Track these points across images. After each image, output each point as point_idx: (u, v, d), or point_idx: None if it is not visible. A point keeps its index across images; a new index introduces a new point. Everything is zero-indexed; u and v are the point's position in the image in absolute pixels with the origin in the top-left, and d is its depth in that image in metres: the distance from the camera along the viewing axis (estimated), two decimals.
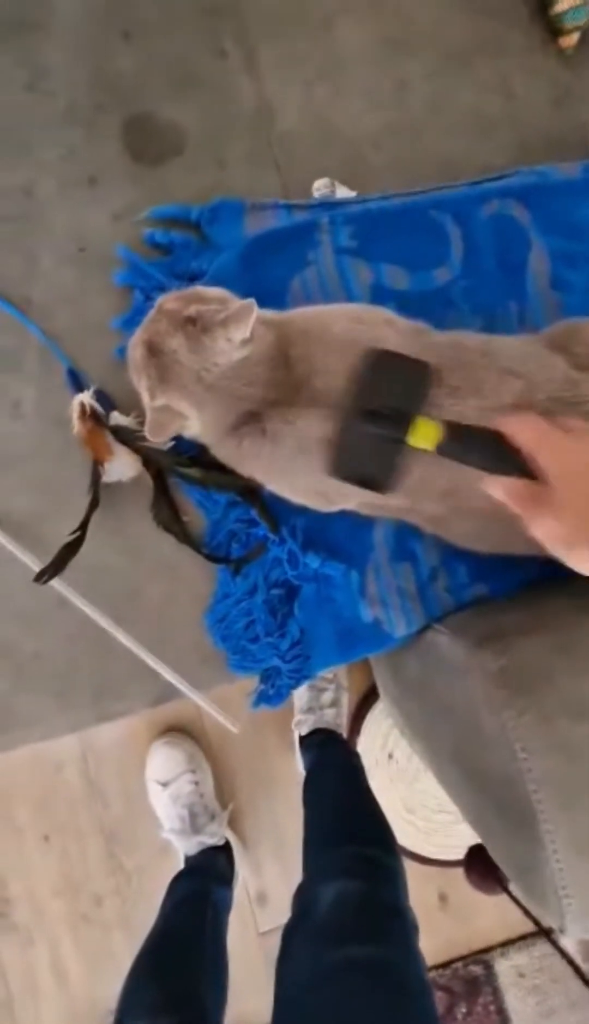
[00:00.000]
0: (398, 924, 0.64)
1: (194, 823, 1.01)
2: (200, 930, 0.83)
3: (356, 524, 0.66)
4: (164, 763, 1.05)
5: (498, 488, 0.43)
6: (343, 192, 0.70)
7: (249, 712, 0.66)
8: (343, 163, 0.71)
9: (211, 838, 1.00)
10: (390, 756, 1.15)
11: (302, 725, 1.06)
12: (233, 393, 0.52)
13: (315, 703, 1.07)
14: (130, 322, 0.64)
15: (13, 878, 1.12)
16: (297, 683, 0.66)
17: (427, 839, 1.14)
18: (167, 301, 0.54)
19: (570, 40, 0.76)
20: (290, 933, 0.66)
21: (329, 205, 0.69)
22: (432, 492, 0.55)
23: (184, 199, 0.67)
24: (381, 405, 0.47)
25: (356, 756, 1.00)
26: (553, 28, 0.77)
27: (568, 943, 1.09)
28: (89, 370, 0.65)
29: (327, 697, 1.07)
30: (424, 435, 0.46)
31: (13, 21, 0.68)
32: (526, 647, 0.51)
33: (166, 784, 1.04)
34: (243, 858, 1.08)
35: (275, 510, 0.64)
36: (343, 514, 0.66)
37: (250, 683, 0.68)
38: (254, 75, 0.71)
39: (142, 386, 0.54)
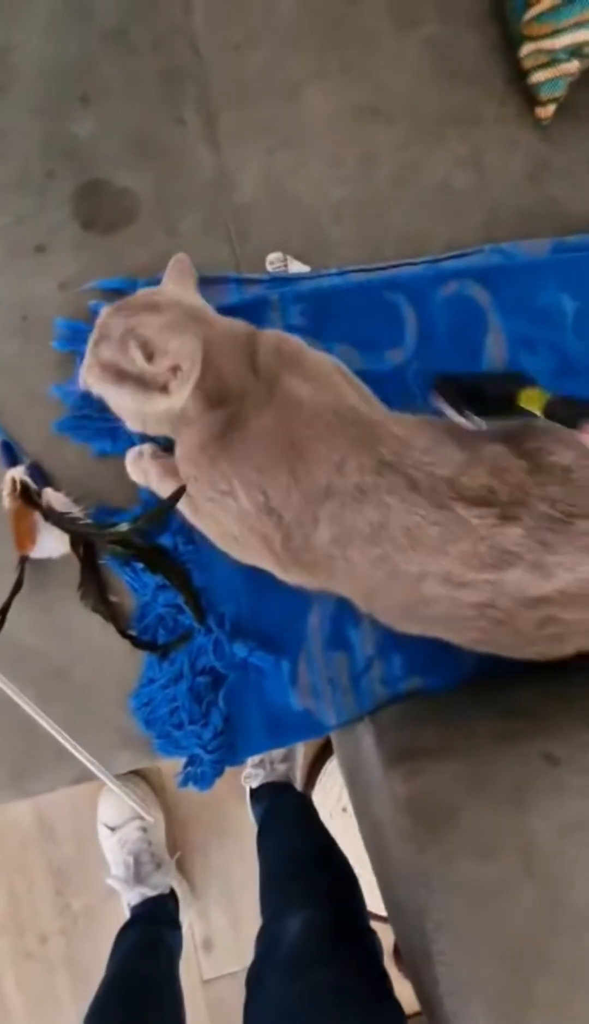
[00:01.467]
0: (362, 944, 0.64)
1: (139, 872, 1.00)
2: (156, 976, 0.83)
3: (291, 611, 0.65)
4: (113, 807, 1.05)
5: None
6: (297, 267, 0.68)
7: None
8: (301, 236, 0.69)
9: (154, 889, 0.99)
10: (344, 810, 1.14)
11: (253, 779, 1.05)
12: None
13: (267, 757, 1.06)
14: (70, 391, 0.63)
15: None
16: (221, 770, 0.65)
17: (378, 894, 1.12)
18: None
19: (547, 111, 0.74)
20: (255, 973, 0.66)
21: (281, 281, 0.67)
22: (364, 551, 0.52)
23: (134, 268, 0.66)
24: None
25: (307, 799, 0.99)
26: (530, 99, 0.74)
27: None
28: (25, 443, 0.64)
29: (279, 751, 1.06)
30: (531, 397, 0.49)
31: None
32: (436, 774, 0.50)
33: (114, 828, 1.04)
34: (189, 904, 1.08)
35: (206, 595, 0.63)
36: (278, 601, 0.64)
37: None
38: (213, 143, 0.69)
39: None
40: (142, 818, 1.04)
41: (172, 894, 1.02)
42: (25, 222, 0.65)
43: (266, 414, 0.51)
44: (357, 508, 0.49)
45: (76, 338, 0.65)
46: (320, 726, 0.65)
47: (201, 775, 0.65)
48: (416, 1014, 1.17)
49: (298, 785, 1.09)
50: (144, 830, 1.04)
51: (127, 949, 0.87)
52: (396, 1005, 0.58)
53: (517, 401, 0.50)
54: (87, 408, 0.63)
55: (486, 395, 0.52)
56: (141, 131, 0.68)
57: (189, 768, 0.66)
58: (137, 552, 0.61)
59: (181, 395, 0.52)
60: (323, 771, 1.14)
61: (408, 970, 0.53)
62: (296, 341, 0.58)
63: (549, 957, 0.45)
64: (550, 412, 0.48)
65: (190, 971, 1.12)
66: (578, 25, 0.66)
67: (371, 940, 0.64)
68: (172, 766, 1.09)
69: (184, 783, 0.66)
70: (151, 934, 0.90)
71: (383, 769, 0.53)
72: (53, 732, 0.61)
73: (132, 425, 0.57)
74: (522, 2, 0.69)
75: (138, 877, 0.99)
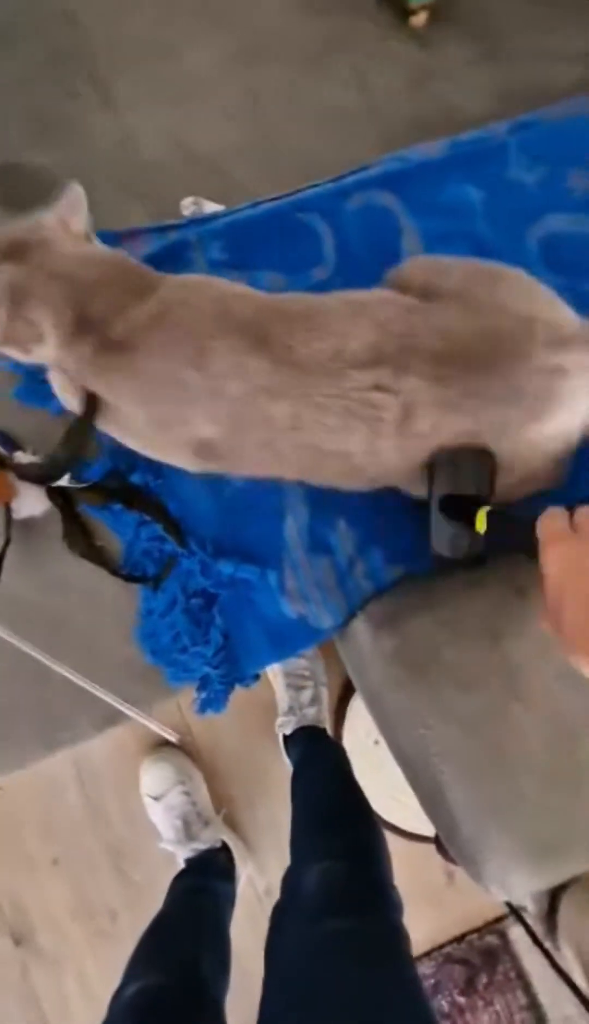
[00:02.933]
0: (380, 900, 0.67)
1: (188, 831, 1.03)
2: (199, 914, 0.87)
3: (266, 524, 0.68)
4: (154, 778, 1.08)
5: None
6: (211, 207, 0.72)
7: (228, 717, 0.68)
8: (208, 181, 0.73)
9: (205, 844, 1.03)
10: (376, 742, 1.16)
11: (285, 726, 1.08)
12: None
13: (295, 703, 1.09)
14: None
15: (31, 905, 1.16)
16: (230, 686, 0.68)
17: (421, 817, 1.15)
18: None
19: (419, 20, 0.78)
20: (278, 913, 0.70)
21: (198, 222, 0.71)
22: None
23: None
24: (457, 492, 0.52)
25: (341, 748, 1.02)
26: (401, 11, 0.78)
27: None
28: None
29: (306, 695, 1.09)
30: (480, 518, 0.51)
31: None
32: (416, 626, 0.53)
33: (158, 798, 1.07)
34: (245, 857, 1.11)
35: (183, 524, 0.67)
36: (251, 517, 0.68)
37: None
38: (110, 110, 0.73)
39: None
40: (182, 782, 1.08)
41: (225, 848, 1.06)
42: None
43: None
44: (269, 406, 0.52)
45: None
46: (317, 631, 0.68)
47: (214, 696, 0.69)
48: (459, 937, 1.19)
49: (327, 727, 1.12)
50: (187, 793, 1.07)
51: (173, 896, 0.91)
52: (405, 959, 0.60)
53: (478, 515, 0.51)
54: (39, 374, 0.67)
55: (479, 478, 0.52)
56: (41, 111, 0.72)
57: (202, 693, 0.69)
58: (113, 494, 0.65)
59: None
60: (348, 709, 1.17)
61: (430, 816, 0.56)
62: None
63: (548, 768, 0.48)
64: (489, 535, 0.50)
65: (257, 922, 1.15)
66: None
67: (388, 895, 0.66)
68: (201, 724, 1.12)
69: (201, 709, 0.69)
70: (198, 881, 0.94)
71: (372, 634, 0.56)
72: (71, 676, 0.64)
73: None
74: None
75: (189, 836, 1.03)
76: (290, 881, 0.72)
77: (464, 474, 0.52)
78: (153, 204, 0.72)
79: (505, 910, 1.19)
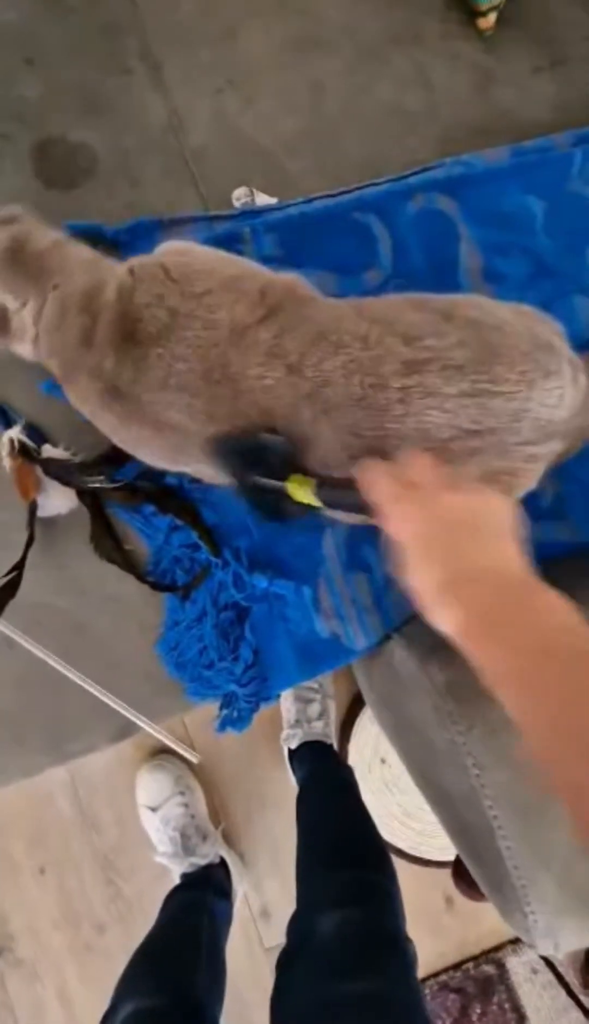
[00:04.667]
0: (398, 957, 0.62)
1: (186, 845, 0.99)
2: (196, 933, 0.83)
3: (304, 538, 0.65)
4: (152, 787, 1.04)
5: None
6: (263, 200, 0.68)
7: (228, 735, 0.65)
8: (261, 171, 0.69)
9: (203, 859, 0.99)
10: (383, 761, 1.14)
11: (291, 739, 1.05)
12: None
13: (302, 715, 1.05)
14: None
15: (14, 913, 1.11)
16: (257, 706, 0.65)
17: (427, 841, 1.12)
18: None
19: (487, 22, 0.75)
20: (287, 963, 0.65)
21: (250, 214, 0.67)
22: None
23: (101, 221, 0.66)
24: (257, 481, 0.50)
25: (348, 769, 0.99)
26: (469, 11, 0.75)
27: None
28: (17, 405, 0.63)
29: (314, 709, 1.06)
30: (301, 493, 0.48)
31: None
32: None
33: (156, 808, 1.03)
34: (242, 874, 1.07)
35: (218, 533, 0.63)
36: (290, 530, 0.64)
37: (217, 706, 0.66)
38: (161, 90, 0.69)
39: None
40: (181, 793, 1.04)
41: (222, 863, 1.02)
42: None
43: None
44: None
45: None
46: (349, 651, 0.65)
47: (238, 715, 0.65)
48: (455, 965, 1.17)
49: (334, 743, 1.09)
50: (185, 805, 1.03)
51: (168, 911, 0.87)
52: (426, 1019, 0.57)
53: (287, 491, 0.49)
54: None
55: (267, 461, 0.50)
56: (89, 86, 0.68)
57: (225, 710, 0.66)
58: (146, 496, 0.61)
59: None
60: (356, 725, 1.14)
61: (467, 857, 0.53)
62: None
63: None
64: (322, 499, 0.48)
65: (251, 940, 1.12)
66: None
67: (406, 950, 0.63)
68: (203, 737, 1.08)
69: (222, 727, 0.66)
70: (194, 897, 0.90)
71: (420, 664, 0.53)
72: (86, 686, 0.61)
73: None
74: None
75: (186, 850, 0.99)
76: (300, 926, 0.68)
77: (253, 458, 0.50)
78: (203, 191, 0.68)
79: (502, 939, 1.17)
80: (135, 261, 0.53)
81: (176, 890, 0.94)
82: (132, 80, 0.69)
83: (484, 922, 1.17)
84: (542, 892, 0.46)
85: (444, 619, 0.39)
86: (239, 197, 0.68)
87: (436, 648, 0.54)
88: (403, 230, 0.68)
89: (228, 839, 1.10)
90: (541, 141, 0.73)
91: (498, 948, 1.15)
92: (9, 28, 0.68)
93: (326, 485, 0.48)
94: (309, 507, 0.50)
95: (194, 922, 0.85)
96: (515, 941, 1.15)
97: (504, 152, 0.72)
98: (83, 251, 0.55)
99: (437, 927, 1.16)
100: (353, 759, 1.14)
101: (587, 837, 0.32)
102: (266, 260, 0.65)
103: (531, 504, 0.65)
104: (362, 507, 0.44)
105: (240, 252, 0.65)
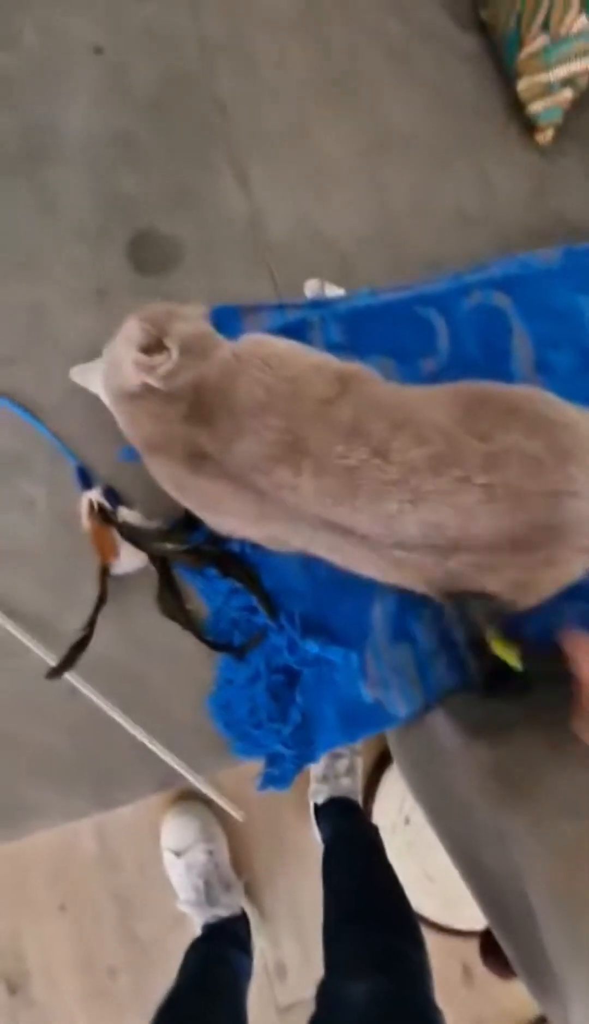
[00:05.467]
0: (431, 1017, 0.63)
1: (209, 894, 1.00)
2: (217, 992, 0.83)
3: (355, 606, 0.68)
4: (178, 832, 1.06)
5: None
6: (332, 291, 0.74)
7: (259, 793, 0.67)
8: (331, 264, 0.75)
9: (226, 910, 0.99)
10: (407, 821, 1.13)
11: (318, 794, 1.06)
12: (139, 421, 0.57)
13: (330, 771, 1.06)
14: None
15: (30, 950, 1.11)
16: (301, 767, 0.67)
17: (450, 908, 1.11)
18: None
19: (546, 136, 0.81)
20: None
21: (320, 304, 0.73)
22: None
23: None
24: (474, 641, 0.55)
25: (374, 829, 0.99)
26: (529, 125, 0.82)
27: None
28: (97, 469, 0.69)
29: (343, 764, 1.07)
30: (508, 656, 0.52)
31: (27, 152, 0.75)
32: (520, 740, 0.52)
33: (180, 853, 1.04)
34: (260, 929, 1.07)
35: (275, 598, 0.67)
36: (341, 598, 0.68)
37: (258, 763, 0.69)
38: (245, 188, 0.76)
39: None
40: (206, 841, 1.05)
41: (243, 916, 1.02)
42: (85, 269, 0.72)
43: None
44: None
45: None
46: (392, 717, 0.68)
47: (281, 774, 0.67)
48: None
49: (359, 799, 1.10)
50: (210, 853, 1.04)
51: (191, 966, 0.87)
52: None
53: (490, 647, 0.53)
54: None
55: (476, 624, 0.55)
56: (180, 184, 0.75)
57: (269, 769, 0.68)
58: (210, 559, 0.66)
59: (163, 369, 0.54)
60: (382, 783, 1.15)
61: (502, 937, 0.54)
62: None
63: None
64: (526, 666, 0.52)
65: (265, 998, 1.10)
66: (570, 59, 0.73)
67: (434, 1019, 0.64)
68: (230, 788, 1.09)
69: (264, 785, 0.68)
70: (217, 952, 0.91)
71: (466, 740, 0.55)
72: (139, 735, 0.64)
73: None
74: (515, 42, 0.77)
75: (210, 899, 0.99)
76: (329, 995, 0.68)
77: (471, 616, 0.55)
78: (278, 282, 0.74)
79: (524, 1018, 1.14)
80: (234, 346, 0.58)
81: (198, 943, 0.95)
82: (219, 179, 0.76)
83: (505, 997, 1.14)
84: (583, 986, 0.47)
85: None
86: (310, 287, 0.74)
87: (484, 725, 0.56)
88: (460, 323, 0.73)
89: (248, 891, 1.10)
90: None
91: None
92: (113, 130, 0.76)
93: (528, 652, 0.52)
94: (516, 678, 0.53)
95: (215, 978, 0.85)
96: (539, 1021, 1.11)
97: (557, 253, 0.77)
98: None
99: (453, 999, 1.13)
100: (377, 818, 1.14)
101: None
102: (332, 346, 0.71)
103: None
104: (561, 674, 0.48)
105: (308, 338, 0.71)
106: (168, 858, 1.06)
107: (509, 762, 0.51)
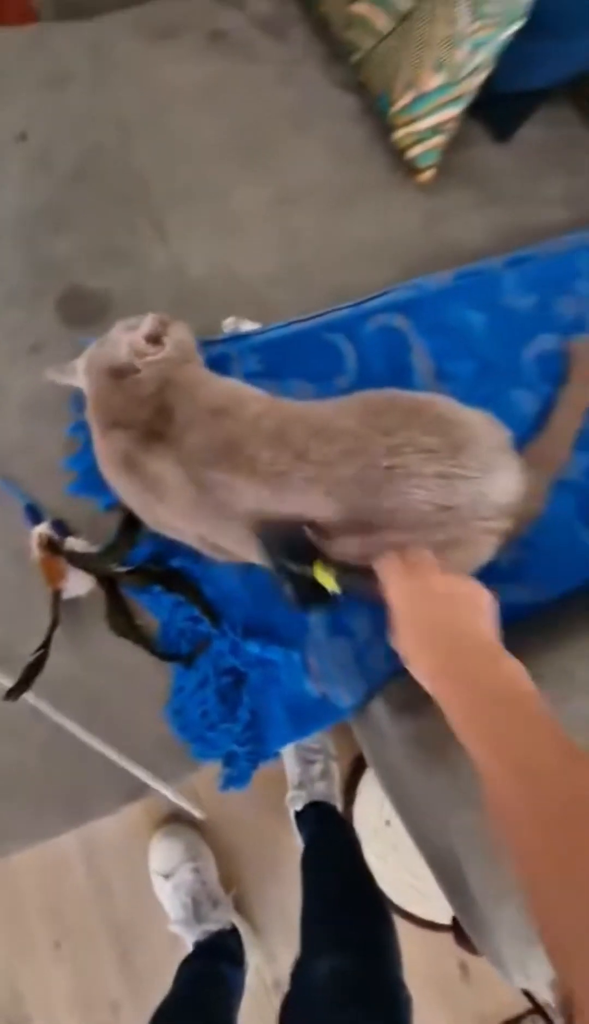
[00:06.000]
0: (388, 998, 0.67)
1: (198, 912, 1.02)
2: (208, 1006, 0.85)
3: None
4: (164, 855, 1.08)
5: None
6: (248, 325, 0.82)
7: (236, 793, 0.71)
8: (246, 302, 0.83)
9: (216, 924, 1.01)
10: (387, 823, 1.16)
11: (296, 801, 1.09)
12: (111, 394, 0.65)
13: (306, 776, 1.10)
14: (78, 461, 0.75)
15: (29, 992, 1.11)
16: (256, 764, 0.71)
17: (438, 904, 1.13)
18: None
19: (426, 176, 0.91)
20: (286, 1007, 0.69)
21: (237, 338, 0.81)
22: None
23: None
24: (291, 564, 0.60)
25: (351, 830, 1.03)
26: (412, 168, 0.92)
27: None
28: (46, 503, 0.75)
29: (317, 769, 1.10)
30: (324, 579, 0.58)
31: None
32: (436, 709, 0.57)
33: (168, 875, 1.06)
34: (253, 944, 1.08)
35: (217, 606, 0.72)
36: (279, 601, 0.73)
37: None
38: (164, 242, 0.85)
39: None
40: (193, 859, 1.07)
41: (234, 930, 1.04)
42: (19, 331, 0.79)
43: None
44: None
45: (79, 426, 0.76)
46: (338, 710, 0.73)
47: (239, 773, 0.72)
48: None
49: (338, 804, 1.13)
50: (197, 871, 1.06)
51: (183, 982, 0.89)
52: None
53: (312, 575, 0.59)
54: (92, 475, 0.74)
55: (297, 546, 0.60)
56: (104, 243, 0.84)
57: (227, 769, 0.72)
58: (154, 577, 0.71)
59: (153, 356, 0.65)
60: (360, 787, 1.18)
61: (451, 901, 0.59)
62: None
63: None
64: (341, 584, 0.58)
65: (264, 1014, 1.11)
66: (434, 111, 0.84)
67: (397, 994, 0.67)
68: (215, 806, 1.12)
69: (225, 786, 0.72)
70: (208, 967, 0.92)
71: (394, 716, 0.61)
72: (102, 749, 0.68)
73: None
74: (387, 100, 0.88)
75: (198, 917, 1.01)
76: (299, 973, 0.73)
77: (287, 545, 0.60)
78: (198, 321, 0.82)
79: (521, 1010, 1.15)
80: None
81: (189, 959, 0.96)
82: (140, 236, 0.85)
83: (502, 991, 1.15)
84: (508, 923, 0.52)
85: (421, 668, 0.48)
86: (228, 324, 0.82)
87: (408, 703, 0.62)
88: (365, 345, 0.81)
89: (240, 907, 1.12)
90: (479, 265, 0.87)
91: (518, 1019, 1.13)
92: (41, 202, 0.85)
93: (345, 572, 0.58)
94: (328, 598, 0.60)
95: (205, 993, 0.87)
96: (533, 1011, 1.13)
97: (448, 275, 0.86)
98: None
99: (452, 997, 1.15)
100: (358, 822, 1.17)
101: (524, 868, 0.37)
102: (251, 375, 0.78)
103: (491, 569, 0.74)
104: (372, 592, 0.54)
105: (229, 370, 0.79)
106: (157, 882, 1.08)
107: (428, 730, 0.56)
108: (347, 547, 0.61)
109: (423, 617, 0.49)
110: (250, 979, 1.06)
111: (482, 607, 0.50)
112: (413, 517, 0.60)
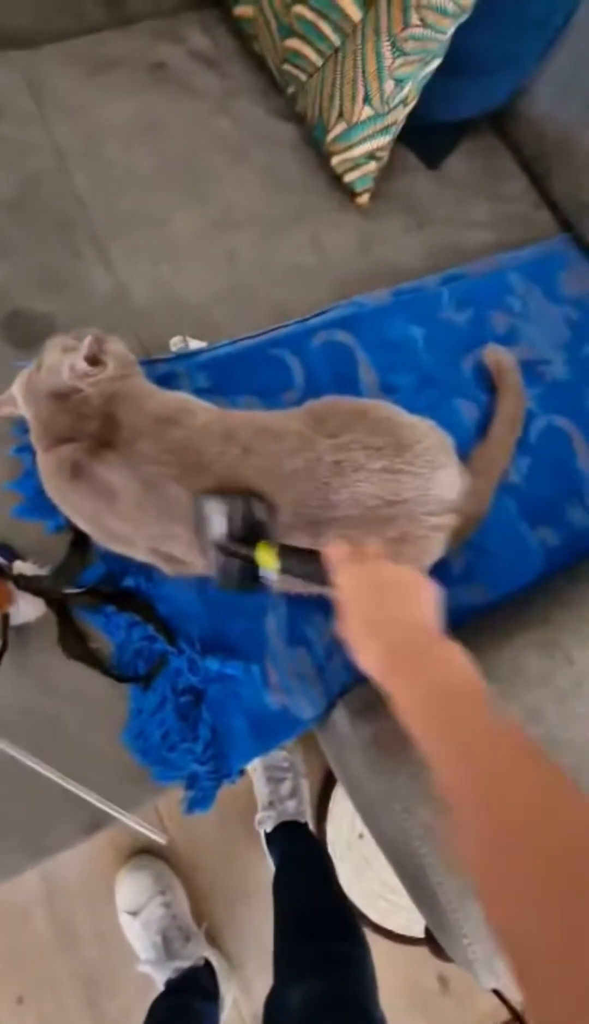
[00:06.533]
0: (365, 1022, 0.65)
1: (169, 949, 0.98)
2: None
3: (248, 620, 0.74)
4: (131, 890, 1.04)
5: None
6: (195, 344, 0.83)
7: (205, 817, 0.69)
8: (191, 322, 0.85)
9: (187, 961, 0.97)
10: (360, 836, 1.15)
11: (266, 822, 1.07)
12: (57, 416, 0.64)
13: (275, 796, 1.08)
14: (23, 484, 0.74)
15: None
16: (219, 783, 0.70)
17: (414, 917, 1.12)
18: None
19: (363, 199, 0.96)
20: None
21: (185, 356, 0.82)
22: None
23: None
24: (230, 538, 0.58)
25: (322, 847, 1.01)
26: (349, 193, 0.96)
27: None
28: None
29: (286, 788, 1.09)
30: (265, 559, 0.57)
31: None
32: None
33: (136, 913, 1.02)
34: (229, 978, 1.05)
35: (172, 624, 0.72)
36: (235, 615, 0.73)
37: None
38: (107, 266, 0.86)
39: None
40: (162, 892, 1.04)
41: (207, 965, 1.00)
42: None
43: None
44: None
45: (23, 448, 0.76)
46: (299, 721, 0.72)
47: (202, 795, 0.70)
48: None
49: (310, 821, 1.11)
50: (167, 905, 1.03)
51: (155, 1021, 0.85)
52: None
53: (254, 553, 0.57)
54: (38, 497, 0.73)
55: (242, 518, 0.59)
56: (47, 268, 0.84)
57: (190, 792, 0.71)
58: (106, 598, 0.70)
59: (97, 376, 0.64)
60: (331, 802, 1.17)
61: (418, 906, 0.59)
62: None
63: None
64: (284, 568, 0.56)
65: None
66: (365, 139, 0.88)
67: (371, 1017, 0.66)
68: (182, 833, 1.08)
69: (190, 808, 0.71)
70: (181, 1003, 0.89)
71: (351, 722, 0.61)
72: (57, 779, 0.66)
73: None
74: (322, 128, 0.92)
75: (169, 954, 0.97)
76: (271, 1003, 0.70)
77: (230, 516, 0.59)
78: (145, 341, 0.83)
79: (501, 1021, 1.14)
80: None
81: (161, 998, 0.92)
82: (82, 261, 0.85)
83: (481, 1004, 1.14)
84: (475, 923, 0.52)
85: (366, 655, 0.48)
86: (175, 343, 0.83)
87: (367, 707, 0.62)
88: (311, 359, 0.84)
89: (213, 938, 1.08)
90: (415, 283, 0.92)
91: None
92: None
93: (289, 553, 0.56)
94: (259, 583, 0.58)
95: None
96: (512, 1021, 1.12)
97: (386, 293, 0.90)
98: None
99: (432, 1011, 1.13)
100: (331, 838, 1.15)
101: (475, 858, 0.36)
102: (200, 392, 0.79)
103: (446, 573, 0.76)
104: (315, 575, 0.53)
105: (178, 387, 0.79)
106: (125, 920, 1.03)
107: (385, 732, 0.57)
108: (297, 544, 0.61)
109: (370, 604, 0.49)
110: (227, 1013, 1.02)
111: (428, 597, 0.50)
112: (361, 512, 0.62)
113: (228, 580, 0.61)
